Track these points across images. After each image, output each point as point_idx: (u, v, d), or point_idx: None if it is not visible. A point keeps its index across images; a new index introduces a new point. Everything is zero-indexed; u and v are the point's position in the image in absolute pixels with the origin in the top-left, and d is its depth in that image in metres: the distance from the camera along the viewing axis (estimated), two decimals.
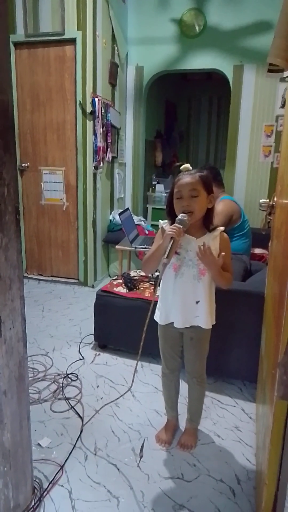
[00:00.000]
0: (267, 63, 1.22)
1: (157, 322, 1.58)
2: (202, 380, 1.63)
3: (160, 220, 1.53)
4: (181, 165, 1.44)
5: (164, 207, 1.51)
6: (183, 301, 1.46)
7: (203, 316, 1.47)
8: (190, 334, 1.54)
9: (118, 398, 1.98)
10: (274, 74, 1.28)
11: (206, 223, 1.45)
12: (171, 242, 1.32)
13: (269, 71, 1.28)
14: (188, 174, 1.39)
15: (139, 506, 1.39)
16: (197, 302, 1.46)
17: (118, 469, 1.55)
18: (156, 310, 1.58)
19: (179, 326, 1.50)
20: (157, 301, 1.57)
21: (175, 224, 1.34)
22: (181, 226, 1.34)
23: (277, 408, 1.02)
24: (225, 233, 1.47)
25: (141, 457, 1.61)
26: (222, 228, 1.47)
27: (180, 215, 1.36)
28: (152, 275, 2.51)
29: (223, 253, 1.40)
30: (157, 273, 2.38)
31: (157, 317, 1.57)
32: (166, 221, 1.49)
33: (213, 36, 3.75)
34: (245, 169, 3.92)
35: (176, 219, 1.36)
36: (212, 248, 1.41)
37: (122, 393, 2.02)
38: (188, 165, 1.43)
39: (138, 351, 1.46)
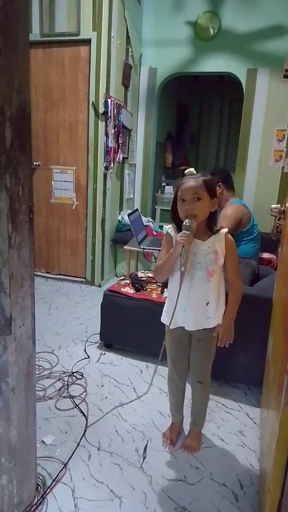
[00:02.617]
0: (284, 69, 1.22)
1: (163, 325, 1.58)
2: (207, 384, 1.63)
3: (164, 225, 1.54)
4: (185, 169, 1.45)
5: None
6: (194, 303, 1.46)
7: (214, 317, 1.48)
8: (198, 336, 1.53)
9: (128, 401, 1.98)
10: None
11: (210, 225, 1.46)
12: (183, 250, 1.35)
13: (285, 76, 1.28)
14: (191, 178, 1.40)
15: (142, 507, 1.39)
16: (207, 304, 1.46)
17: (121, 469, 1.56)
18: (163, 313, 1.58)
19: (191, 329, 1.50)
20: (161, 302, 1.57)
21: (183, 231, 1.36)
22: (189, 232, 1.35)
23: (284, 415, 1.02)
24: (229, 235, 1.47)
25: (144, 458, 1.62)
26: (226, 230, 1.47)
27: (185, 221, 1.37)
28: None
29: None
30: None
31: (164, 320, 1.57)
32: (170, 225, 1.50)
33: (227, 39, 3.75)
34: (255, 173, 3.91)
35: (183, 226, 1.37)
36: (218, 250, 1.43)
37: (127, 393, 2.03)
38: (192, 169, 1.44)
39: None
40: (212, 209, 1.42)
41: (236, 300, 1.50)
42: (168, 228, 1.50)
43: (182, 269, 1.36)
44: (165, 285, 2.35)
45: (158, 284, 2.48)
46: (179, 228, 1.43)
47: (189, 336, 1.57)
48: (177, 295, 1.41)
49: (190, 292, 1.46)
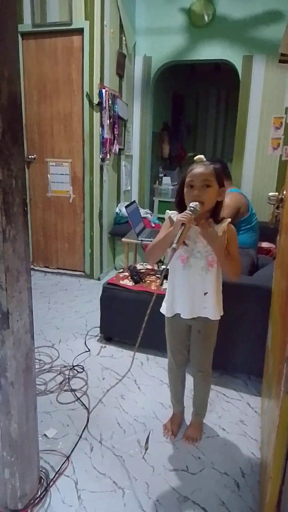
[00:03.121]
0: (279, 53, 1.19)
1: (163, 316, 1.58)
2: (208, 374, 1.63)
3: (167, 210, 1.51)
4: (194, 155, 1.43)
5: (171, 200, 1.50)
6: (192, 292, 1.46)
7: (211, 307, 1.47)
8: (198, 327, 1.53)
9: (117, 383, 1.99)
10: (286, 64, 1.25)
11: (215, 215, 1.44)
12: (182, 228, 1.28)
13: (281, 61, 1.26)
14: (202, 165, 1.37)
15: (144, 497, 1.40)
16: (205, 294, 1.46)
17: (123, 460, 1.56)
18: (163, 303, 1.57)
19: (186, 317, 1.49)
20: (160, 294, 1.55)
21: (186, 211, 1.32)
22: (192, 214, 1.31)
23: (284, 403, 1.02)
24: (231, 225, 1.46)
25: (146, 449, 1.62)
26: (229, 220, 1.45)
27: (192, 203, 1.33)
28: (159, 266, 2.51)
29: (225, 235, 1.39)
30: (163, 266, 2.37)
31: (163, 310, 1.56)
32: (173, 211, 1.47)
33: (222, 26, 3.69)
34: (253, 161, 3.88)
35: (188, 207, 1.33)
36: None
37: (128, 385, 2.04)
38: (202, 156, 1.41)
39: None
40: (218, 198, 1.40)
41: (232, 264, 1.42)
42: (172, 213, 1.47)
43: (174, 246, 1.26)
44: (164, 276, 2.34)
45: (157, 276, 2.47)
46: None
47: (189, 327, 1.56)
48: (166, 266, 1.37)
49: (188, 281, 1.45)
